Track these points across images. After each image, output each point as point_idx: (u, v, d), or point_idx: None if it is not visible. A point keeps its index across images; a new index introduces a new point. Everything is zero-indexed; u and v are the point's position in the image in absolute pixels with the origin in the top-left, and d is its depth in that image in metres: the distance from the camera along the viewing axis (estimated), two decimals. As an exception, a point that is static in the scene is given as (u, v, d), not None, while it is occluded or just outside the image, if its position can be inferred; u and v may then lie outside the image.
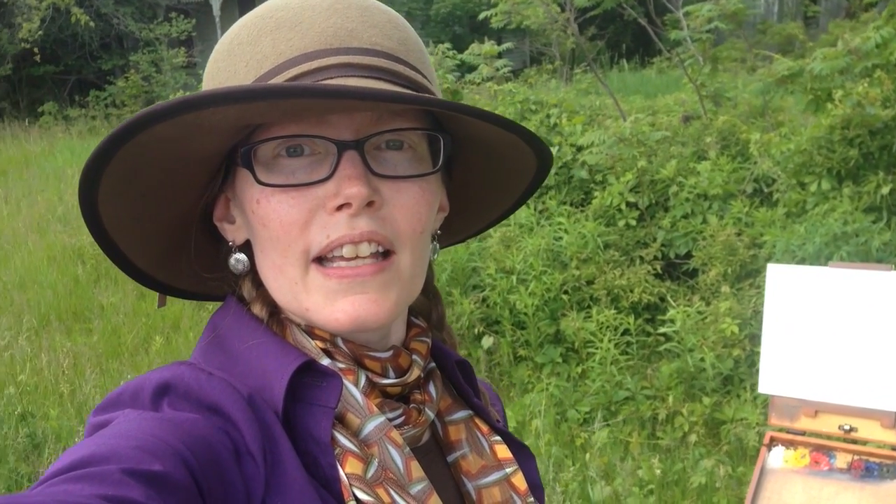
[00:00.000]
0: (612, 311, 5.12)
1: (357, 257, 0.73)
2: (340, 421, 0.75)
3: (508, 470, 0.86)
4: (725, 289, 4.96)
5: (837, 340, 1.96)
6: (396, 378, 0.80)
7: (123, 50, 19.38)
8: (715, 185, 5.68)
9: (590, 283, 5.45)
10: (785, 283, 2.00)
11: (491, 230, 6.01)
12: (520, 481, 0.86)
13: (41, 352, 5.63)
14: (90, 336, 6.11)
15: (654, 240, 5.74)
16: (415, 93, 0.73)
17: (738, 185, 5.80)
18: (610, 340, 4.88)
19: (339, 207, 0.72)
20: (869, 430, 1.89)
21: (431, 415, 0.82)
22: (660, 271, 5.56)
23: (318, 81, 0.72)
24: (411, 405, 0.81)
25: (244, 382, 0.73)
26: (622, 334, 5.04)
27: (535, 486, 0.89)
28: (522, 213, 6.07)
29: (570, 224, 5.73)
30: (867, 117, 5.26)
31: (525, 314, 5.26)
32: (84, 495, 0.57)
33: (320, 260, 0.74)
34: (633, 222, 5.85)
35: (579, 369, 5.04)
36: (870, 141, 5.25)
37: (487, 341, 5.28)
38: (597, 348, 4.89)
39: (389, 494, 0.72)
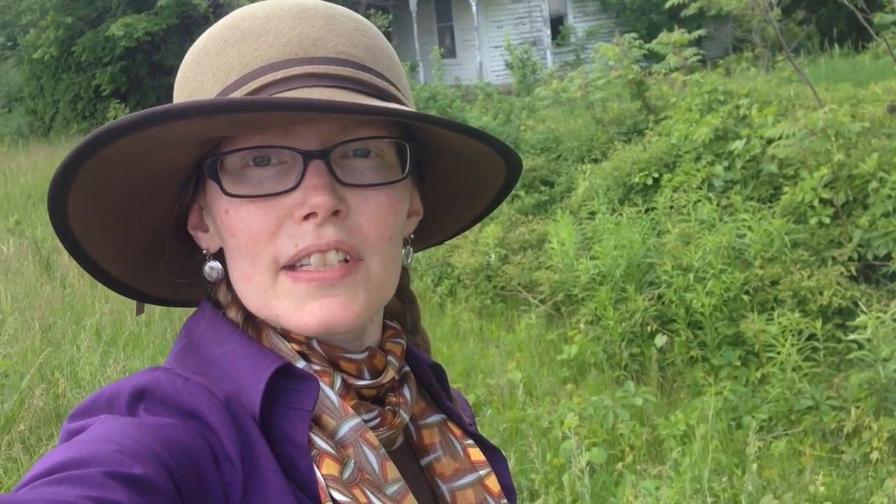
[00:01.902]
0: (798, 315, 4.81)
1: (325, 265, 0.74)
2: (316, 423, 0.75)
3: (482, 472, 0.86)
4: (927, 295, 4.54)
5: None
6: (372, 379, 0.80)
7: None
8: (922, 181, 5.21)
9: (774, 283, 5.16)
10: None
11: (670, 226, 5.82)
12: (493, 483, 0.86)
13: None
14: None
15: (850, 239, 5.35)
16: (377, 102, 0.74)
17: (950, 181, 5.29)
18: (793, 345, 4.60)
19: (306, 217, 0.72)
20: None
21: (406, 417, 0.82)
22: (854, 273, 5.18)
23: (281, 92, 0.72)
24: (386, 408, 0.81)
25: (220, 387, 0.73)
26: (807, 339, 4.73)
27: (507, 488, 0.88)
28: (705, 209, 5.83)
29: (755, 221, 5.44)
30: None
31: (702, 314, 5.06)
32: (67, 497, 0.58)
33: (288, 268, 0.75)
34: (827, 220, 5.48)
35: (759, 374, 4.79)
36: None
37: (661, 340, 5.13)
38: (778, 353, 4.63)
39: (366, 495, 0.72)
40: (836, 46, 16.45)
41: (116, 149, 0.69)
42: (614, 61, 8.21)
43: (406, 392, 0.84)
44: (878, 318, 4.44)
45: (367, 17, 18.88)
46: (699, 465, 3.80)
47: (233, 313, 0.81)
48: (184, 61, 0.81)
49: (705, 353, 5.05)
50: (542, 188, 7.95)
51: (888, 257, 5.15)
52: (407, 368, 0.87)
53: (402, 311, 0.92)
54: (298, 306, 0.75)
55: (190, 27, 18.98)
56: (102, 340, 5.66)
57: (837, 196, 5.52)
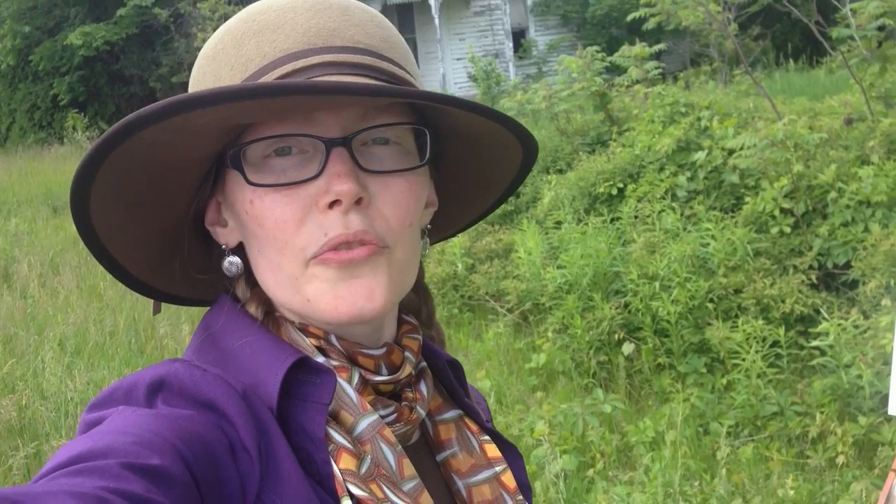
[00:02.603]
0: (761, 322, 4.90)
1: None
2: (334, 419, 0.75)
3: (498, 468, 0.86)
4: (887, 302, 4.64)
5: None
6: (389, 375, 0.81)
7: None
8: (879, 191, 5.33)
9: (737, 291, 5.24)
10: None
11: (636, 235, 5.90)
12: (509, 479, 0.86)
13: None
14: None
15: (810, 248, 5.46)
16: (398, 86, 0.74)
17: (906, 191, 5.43)
18: (757, 352, 4.68)
19: (331, 205, 0.73)
20: None
21: (423, 413, 0.82)
22: (815, 281, 5.28)
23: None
24: (403, 403, 0.81)
25: (238, 379, 0.74)
26: (771, 346, 4.82)
27: (523, 486, 0.89)
28: (669, 218, 5.92)
29: (718, 230, 5.53)
30: None
31: (668, 321, 5.13)
32: (85, 488, 0.58)
33: (316, 256, 0.75)
34: (788, 229, 5.58)
35: (724, 381, 4.86)
36: None
37: (628, 348, 5.18)
38: (743, 360, 4.70)
39: (382, 490, 0.73)
40: (791, 61, 16.80)
41: (141, 139, 0.68)
42: (578, 73, 8.30)
43: (423, 387, 0.84)
44: (839, 325, 4.54)
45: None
46: (669, 470, 3.85)
47: (253, 308, 0.81)
48: (200, 56, 0.81)
49: (672, 360, 5.11)
50: (509, 198, 7.99)
51: (847, 266, 5.26)
52: (424, 364, 0.87)
53: (417, 304, 0.92)
54: (328, 290, 0.75)
55: (150, 37, 18.80)
56: (67, 352, 5.57)
57: (797, 206, 5.63)
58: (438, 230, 0.95)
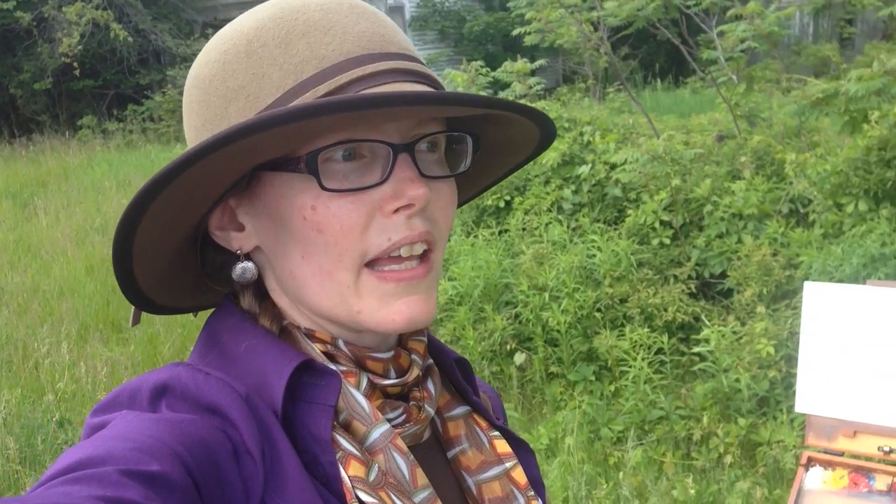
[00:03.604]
0: (646, 330, 5.10)
1: (411, 257, 0.75)
2: (346, 428, 0.76)
3: (508, 464, 0.87)
4: (761, 309, 4.92)
5: (876, 359, 1.95)
6: (397, 378, 0.81)
7: (161, 65, 19.65)
8: (750, 204, 5.65)
9: (623, 301, 5.44)
10: (822, 301, 2.00)
11: (524, 247, 6.02)
12: (520, 475, 0.87)
13: (80, 360, 5.72)
14: (127, 346, 6.19)
15: (689, 259, 5.71)
16: (473, 94, 0.75)
17: (774, 205, 5.77)
18: (643, 359, 4.86)
19: (397, 210, 0.73)
20: (910, 452, 1.88)
21: (431, 411, 0.83)
22: (694, 291, 5.54)
23: (371, 87, 0.72)
24: (411, 403, 0.82)
25: (242, 383, 0.74)
26: (656, 353, 5.02)
27: (536, 482, 0.90)
28: (555, 231, 6.09)
29: (604, 242, 5.72)
30: (905, 138, 5.22)
31: (558, 331, 5.26)
32: (82, 496, 0.58)
33: (371, 263, 0.75)
34: (667, 241, 5.83)
35: (612, 388, 5.02)
36: (908, 162, 5.21)
37: (519, 358, 5.29)
38: (630, 367, 4.88)
39: (391, 498, 0.73)
40: (659, 81, 17.54)
41: (246, 144, 0.67)
42: (463, 87, 8.42)
43: (430, 386, 0.85)
44: (719, 331, 4.78)
45: (205, 37, 18.47)
46: (566, 476, 3.95)
47: (267, 323, 0.80)
48: (218, 52, 0.77)
49: (562, 369, 5.25)
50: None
51: (723, 275, 5.54)
52: (430, 361, 0.88)
53: None
54: (384, 304, 0.75)
55: (11, 42, 17.84)
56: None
57: (676, 218, 5.89)
58: None
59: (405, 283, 0.75)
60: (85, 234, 9.21)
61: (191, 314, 0.92)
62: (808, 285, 2.04)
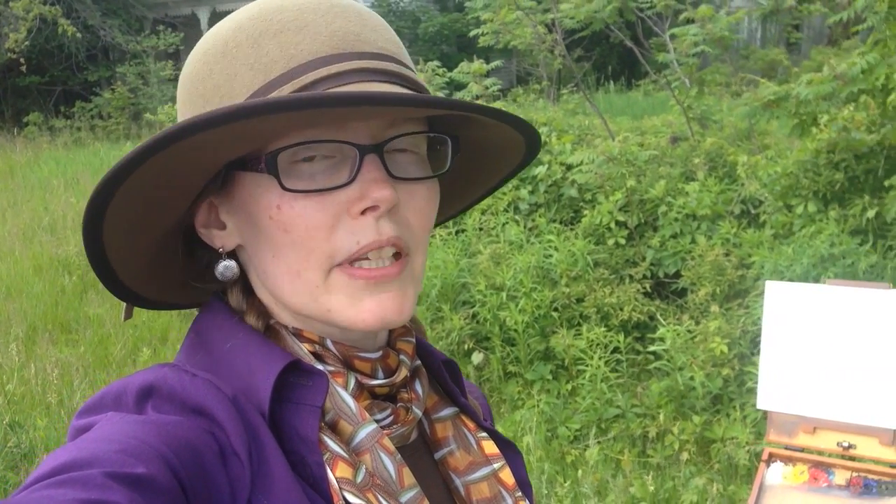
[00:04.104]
0: (602, 329, 5.15)
1: (380, 259, 0.75)
2: (332, 428, 0.75)
3: (496, 465, 0.87)
4: (714, 308, 5.00)
5: (836, 357, 2.00)
6: (385, 378, 0.81)
7: (110, 62, 19.33)
8: (703, 205, 5.74)
9: (580, 300, 5.48)
10: (783, 300, 2.04)
11: (482, 247, 6.04)
12: (507, 476, 0.87)
13: (29, 362, 5.59)
14: (77, 347, 6.07)
15: (644, 259, 5.79)
16: (442, 97, 0.75)
17: (726, 206, 5.87)
18: (600, 358, 4.91)
19: (364, 211, 0.73)
20: (867, 448, 1.92)
21: (419, 413, 0.83)
22: (649, 290, 5.61)
23: (336, 87, 0.72)
24: (399, 404, 0.82)
25: (229, 383, 0.73)
26: (612, 352, 5.07)
27: (524, 483, 0.90)
28: (512, 231, 6.12)
29: (560, 242, 5.77)
30: (852, 142, 5.35)
31: (515, 331, 5.29)
32: (66, 500, 0.57)
33: (342, 264, 0.74)
34: (623, 241, 5.90)
35: (569, 386, 5.07)
36: (855, 165, 5.34)
37: (477, 357, 5.30)
38: (587, 366, 4.92)
39: (378, 500, 0.73)
40: (611, 83, 17.74)
41: (194, 142, 0.66)
42: (419, 88, 8.40)
43: (418, 387, 0.85)
44: (674, 330, 4.85)
45: (156, 34, 18.23)
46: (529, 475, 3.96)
47: (252, 320, 0.79)
48: (200, 52, 0.77)
49: (519, 368, 5.28)
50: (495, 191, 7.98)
51: (677, 275, 5.62)
52: (418, 362, 0.88)
53: None
54: (354, 302, 0.75)
55: None
56: None
57: (631, 219, 5.96)
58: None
59: (375, 281, 0.74)
60: (33, 233, 9.01)
61: (186, 310, 0.90)
62: (769, 284, 2.08)
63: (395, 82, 0.76)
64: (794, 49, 19.81)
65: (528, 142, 0.86)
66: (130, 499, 0.59)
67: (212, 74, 0.75)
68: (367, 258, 0.74)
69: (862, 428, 1.93)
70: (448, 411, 0.89)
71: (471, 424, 0.89)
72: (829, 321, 1.98)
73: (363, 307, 0.74)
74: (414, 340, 0.87)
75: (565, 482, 3.99)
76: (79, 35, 16.13)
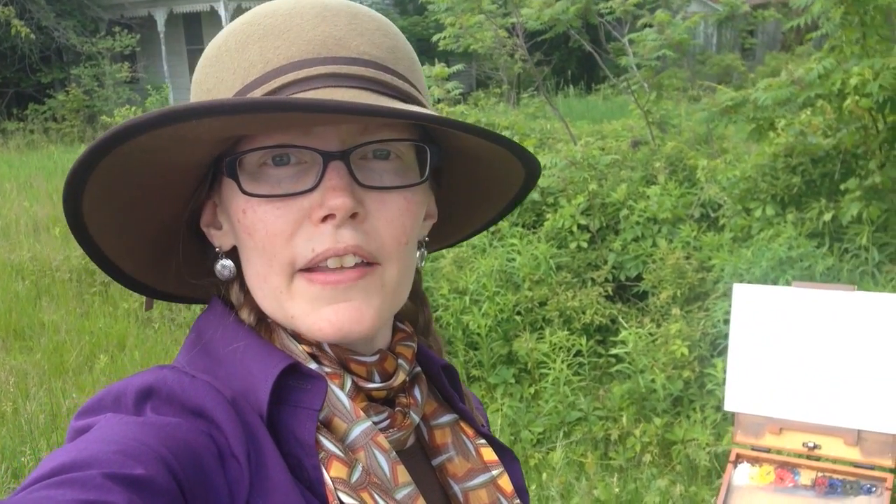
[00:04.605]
0: (565, 333, 5.17)
1: (342, 267, 0.73)
2: (327, 426, 0.75)
3: (495, 472, 0.86)
4: (675, 311, 5.05)
5: (801, 359, 2.02)
6: (382, 382, 0.80)
7: (64, 63, 19.02)
8: (664, 209, 5.80)
9: (542, 304, 5.50)
10: (750, 302, 2.05)
11: (444, 251, 6.03)
12: (506, 483, 0.86)
13: (-18, 370, 5.47)
14: (32, 354, 5.94)
15: (605, 262, 5.82)
16: (400, 104, 0.73)
17: (686, 209, 5.94)
18: (563, 361, 4.93)
19: (324, 219, 0.72)
20: (832, 448, 1.94)
21: (416, 418, 0.83)
22: (611, 293, 5.64)
23: (303, 91, 0.72)
24: (396, 409, 0.81)
25: (228, 385, 0.73)
26: (575, 355, 5.09)
27: (521, 490, 0.89)
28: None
29: (523, 245, 5.78)
30: (809, 146, 5.44)
31: (478, 335, 5.28)
32: (65, 500, 0.57)
33: (304, 270, 0.74)
34: (585, 244, 5.93)
35: (532, 390, 5.07)
36: (812, 169, 5.43)
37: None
38: (550, 369, 4.93)
39: (374, 498, 0.72)
40: (571, 87, 17.89)
41: (135, 146, 0.67)
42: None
43: (416, 393, 0.84)
44: (636, 333, 4.88)
45: (112, 35, 17.97)
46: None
47: (245, 314, 0.80)
48: (203, 56, 0.79)
49: (482, 372, 5.27)
50: (511, 211, 7.95)
51: (639, 278, 5.66)
52: (418, 369, 0.87)
53: (413, 312, 0.91)
54: (313, 309, 0.74)
55: None
56: None
57: (593, 222, 6.00)
58: (442, 238, 0.95)
59: (332, 287, 0.73)
60: (-16, 237, 8.83)
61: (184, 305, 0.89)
62: (736, 287, 2.09)
63: (366, 88, 0.74)
64: (749, 54, 20.15)
65: (524, 163, 0.84)
66: (129, 500, 0.59)
67: (206, 78, 0.78)
68: (326, 267, 0.73)
69: (827, 428, 1.95)
70: (447, 418, 0.88)
71: (469, 431, 0.88)
72: (794, 323, 2.00)
73: (321, 316, 0.74)
74: (414, 346, 0.86)
75: (530, 486, 3.99)
76: (32, 36, 15.84)
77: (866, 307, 1.93)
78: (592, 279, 5.72)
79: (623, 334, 4.91)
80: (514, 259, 5.74)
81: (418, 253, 0.83)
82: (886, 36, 5.04)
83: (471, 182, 0.89)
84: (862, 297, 1.96)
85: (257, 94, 0.73)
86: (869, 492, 1.84)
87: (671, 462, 4.33)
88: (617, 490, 3.88)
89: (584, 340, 5.10)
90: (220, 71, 0.76)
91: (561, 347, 5.06)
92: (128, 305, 6.85)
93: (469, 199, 0.93)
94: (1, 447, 4.36)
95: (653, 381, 4.66)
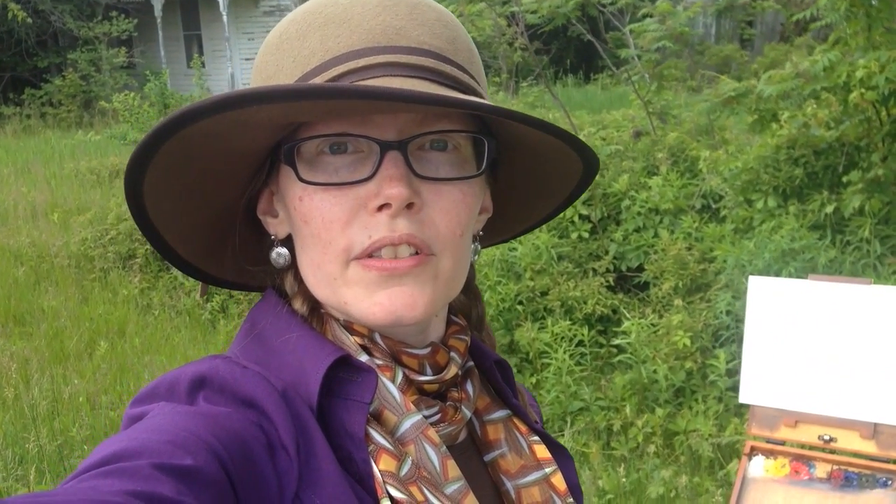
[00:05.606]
0: (567, 322, 5.18)
1: (396, 257, 0.73)
2: (377, 418, 0.74)
3: (548, 470, 0.86)
4: (677, 302, 5.06)
5: (817, 352, 2.02)
6: (433, 375, 0.80)
7: (60, 48, 18.92)
8: (666, 199, 5.80)
9: (544, 294, 5.50)
10: (766, 295, 2.06)
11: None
12: (559, 481, 0.85)
13: (-17, 355, 5.46)
14: (32, 340, 5.93)
15: (607, 252, 5.83)
16: (459, 94, 0.73)
17: (688, 200, 5.94)
18: (565, 351, 4.93)
19: (380, 208, 0.72)
20: (848, 441, 1.95)
21: (468, 413, 0.82)
22: (612, 284, 5.65)
23: (362, 80, 0.72)
24: (448, 403, 0.80)
25: (279, 376, 0.73)
26: (576, 345, 5.10)
27: (574, 488, 0.88)
28: (477, 224, 6.11)
29: (524, 236, 5.78)
30: (812, 138, 5.44)
31: (480, 324, 5.28)
32: (113, 491, 0.57)
33: (359, 258, 0.74)
34: (586, 235, 5.93)
35: (534, 379, 5.08)
36: (814, 161, 5.43)
37: (442, 351, 5.30)
38: (551, 359, 4.94)
39: (423, 493, 0.72)
40: (569, 76, 17.84)
41: (196, 130, 0.67)
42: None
43: (469, 387, 0.83)
44: (638, 323, 4.89)
45: (108, 20, 17.87)
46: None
47: (298, 304, 0.80)
48: (264, 44, 0.80)
49: (484, 361, 5.27)
50: (568, 207, 7.92)
51: (640, 268, 5.67)
52: (471, 363, 0.86)
53: (467, 306, 0.90)
54: (368, 294, 0.74)
55: None
56: None
57: (594, 212, 6.00)
58: (496, 233, 0.94)
59: (387, 273, 0.73)
60: (-19, 223, 8.79)
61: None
62: (752, 279, 2.09)
63: (425, 77, 0.74)
64: (748, 45, 20.11)
65: (582, 157, 0.82)
66: (178, 490, 0.59)
67: (267, 66, 0.78)
68: (380, 256, 0.73)
69: (842, 421, 1.96)
70: (500, 413, 0.87)
71: (523, 427, 0.88)
72: (810, 316, 2.01)
73: (375, 300, 0.74)
74: (468, 339, 0.85)
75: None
76: (29, 20, 15.75)
77: (883, 301, 1.94)
78: (594, 269, 5.72)
79: (625, 325, 4.91)
80: (515, 248, 5.74)
81: (472, 247, 0.83)
82: (892, 28, 5.04)
83: (528, 176, 0.89)
84: (879, 290, 1.96)
85: (317, 82, 0.72)
86: (885, 485, 1.85)
87: (674, 452, 4.34)
88: (623, 480, 3.90)
89: (585, 330, 5.11)
90: (281, 59, 0.77)
91: (563, 337, 5.06)
92: (127, 292, 6.84)
93: (525, 193, 0.92)
94: (4, 433, 4.35)
95: (655, 371, 4.67)
